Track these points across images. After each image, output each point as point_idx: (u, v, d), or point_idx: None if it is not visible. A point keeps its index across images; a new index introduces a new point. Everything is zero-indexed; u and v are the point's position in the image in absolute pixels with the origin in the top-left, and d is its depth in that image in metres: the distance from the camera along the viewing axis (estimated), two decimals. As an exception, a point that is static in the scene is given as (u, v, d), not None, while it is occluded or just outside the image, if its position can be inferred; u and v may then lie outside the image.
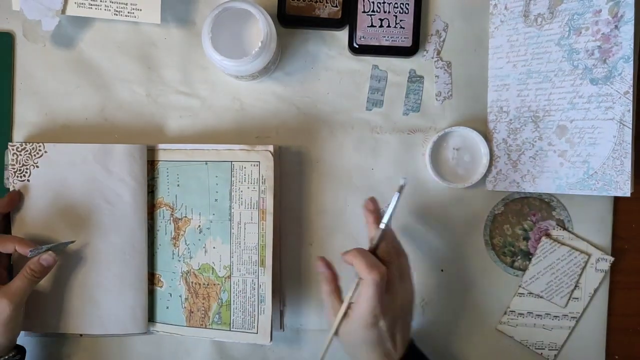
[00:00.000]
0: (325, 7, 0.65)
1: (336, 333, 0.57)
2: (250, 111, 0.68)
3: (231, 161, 0.63)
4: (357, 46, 0.66)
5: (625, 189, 0.60)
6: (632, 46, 0.59)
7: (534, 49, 0.64)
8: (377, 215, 0.59)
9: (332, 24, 0.66)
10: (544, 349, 0.68)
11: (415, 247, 0.68)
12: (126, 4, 0.63)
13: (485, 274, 0.68)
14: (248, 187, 0.63)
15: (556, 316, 0.68)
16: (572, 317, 0.68)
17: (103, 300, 0.64)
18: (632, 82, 0.59)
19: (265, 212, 0.63)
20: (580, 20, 0.61)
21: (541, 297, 0.68)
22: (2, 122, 0.67)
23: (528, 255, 0.68)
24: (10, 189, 0.64)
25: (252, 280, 0.63)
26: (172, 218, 0.65)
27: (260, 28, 0.58)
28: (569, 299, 0.68)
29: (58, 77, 0.67)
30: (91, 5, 0.63)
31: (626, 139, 0.59)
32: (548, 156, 0.64)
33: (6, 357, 0.58)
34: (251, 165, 0.63)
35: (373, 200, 0.60)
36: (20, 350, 0.61)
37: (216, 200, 0.64)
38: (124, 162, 0.63)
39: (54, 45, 0.67)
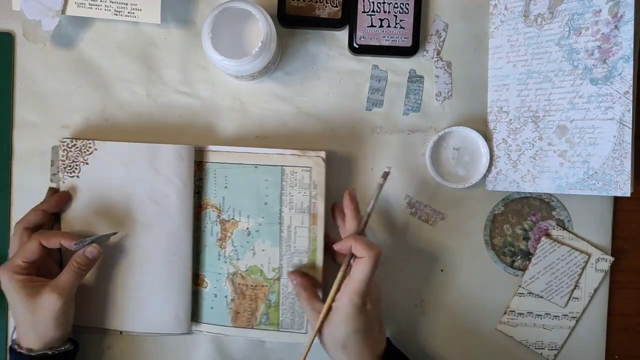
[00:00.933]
0: (325, 7, 0.65)
1: (320, 332, 0.58)
2: (250, 111, 0.68)
3: (282, 166, 0.63)
4: (357, 46, 0.66)
5: (625, 189, 0.60)
6: (632, 46, 0.59)
7: (534, 49, 0.64)
8: (357, 203, 0.61)
9: (332, 24, 0.66)
10: (544, 349, 0.68)
11: (415, 247, 0.68)
12: (126, 4, 0.63)
13: (485, 274, 0.68)
14: (299, 192, 0.63)
15: (556, 316, 0.68)
16: (572, 317, 0.68)
17: (146, 299, 0.64)
18: (632, 82, 0.59)
19: (317, 216, 0.63)
20: (580, 20, 0.61)
21: (541, 297, 0.68)
22: (2, 122, 0.67)
23: (528, 255, 0.68)
24: (60, 185, 0.64)
25: None
26: (218, 219, 0.65)
27: (260, 28, 0.58)
28: (569, 299, 0.68)
29: (58, 77, 0.67)
30: (91, 5, 0.63)
31: (626, 139, 0.59)
32: (548, 156, 0.64)
33: (62, 348, 0.59)
34: (302, 170, 0.63)
35: (352, 191, 0.62)
36: (74, 343, 0.61)
37: (266, 203, 0.64)
38: (171, 162, 0.63)
39: (54, 45, 0.67)
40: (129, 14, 0.63)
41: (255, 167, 0.64)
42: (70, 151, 0.64)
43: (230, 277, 0.65)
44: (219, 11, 0.58)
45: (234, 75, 0.63)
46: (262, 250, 0.64)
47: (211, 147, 0.65)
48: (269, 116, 0.68)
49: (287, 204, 0.64)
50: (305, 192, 0.63)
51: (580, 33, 0.61)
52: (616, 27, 0.59)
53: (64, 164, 0.64)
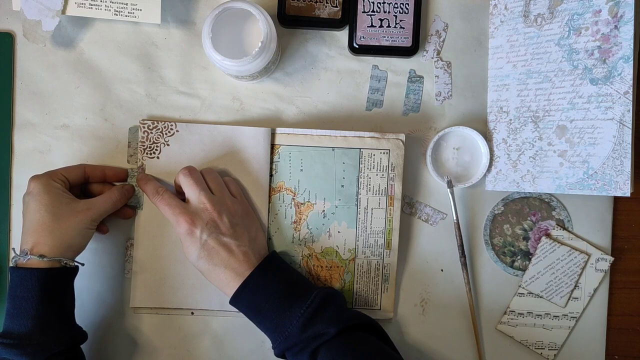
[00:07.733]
0: (325, 7, 0.65)
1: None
2: (250, 111, 0.68)
3: (360, 148, 0.65)
4: (357, 46, 0.66)
5: (625, 189, 0.60)
6: (631, 46, 0.59)
7: (534, 49, 0.64)
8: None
9: (332, 24, 0.66)
10: (543, 348, 0.68)
11: (415, 246, 0.68)
12: (126, 4, 0.63)
13: (485, 274, 0.68)
14: (377, 174, 0.65)
15: (556, 316, 0.68)
16: (572, 317, 0.68)
17: None
18: (631, 82, 0.59)
19: (394, 198, 0.65)
20: (580, 21, 0.61)
21: (541, 297, 0.68)
22: (2, 122, 0.67)
23: (528, 255, 0.68)
24: (138, 165, 0.65)
25: (377, 262, 0.66)
26: (293, 202, 0.65)
27: (260, 28, 0.58)
28: (569, 299, 0.68)
29: (58, 77, 0.67)
30: (91, 5, 0.63)
31: (626, 139, 0.59)
32: (548, 156, 0.64)
33: (71, 264, 0.59)
34: (381, 153, 0.65)
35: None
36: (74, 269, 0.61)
37: (342, 186, 0.65)
38: (249, 144, 0.65)
39: (54, 45, 0.67)
40: (129, 14, 0.63)
41: (332, 150, 0.65)
42: (151, 133, 0.65)
43: (305, 259, 0.66)
44: (219, 11, 0.58)
45: (234, 75, 0.63)
46: (338, 232, 0.66)
47: (287, 130, 0.65)
48: (269, 116, 0.68)
49: (365, 186, 0.65)
50: (383, 175, 0.65)
51: (580, 33, 0.61)
52: (616, 27, 0.59)
53: (143, 145, 0.65)
